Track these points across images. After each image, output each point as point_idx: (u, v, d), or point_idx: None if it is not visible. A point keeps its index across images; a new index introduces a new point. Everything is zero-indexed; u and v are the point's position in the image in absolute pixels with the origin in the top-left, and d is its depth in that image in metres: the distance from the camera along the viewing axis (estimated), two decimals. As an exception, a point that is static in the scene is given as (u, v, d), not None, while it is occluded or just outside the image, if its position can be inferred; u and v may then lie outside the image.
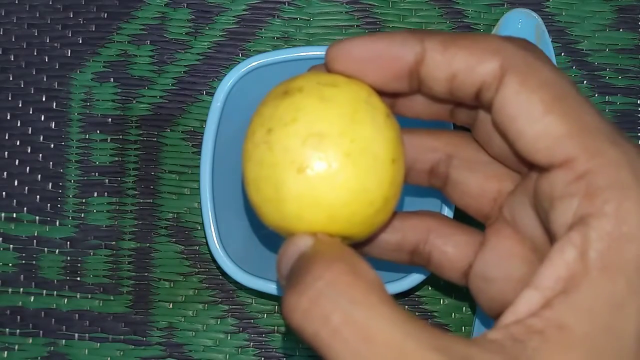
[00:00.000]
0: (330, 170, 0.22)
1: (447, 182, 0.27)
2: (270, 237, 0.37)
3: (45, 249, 0.39)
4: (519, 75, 0.21)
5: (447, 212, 0.34)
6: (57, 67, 0.39)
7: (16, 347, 0.38)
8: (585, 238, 0.19)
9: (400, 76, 0.23)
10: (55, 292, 0.39)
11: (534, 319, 0.19)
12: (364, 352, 0.18)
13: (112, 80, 0.39)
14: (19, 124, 0.39)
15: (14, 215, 0.39)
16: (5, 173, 0.39)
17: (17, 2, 0.40)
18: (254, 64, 0.34)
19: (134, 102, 0.39)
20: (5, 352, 0.38)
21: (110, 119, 0.39)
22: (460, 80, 0.22)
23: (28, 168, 0.39)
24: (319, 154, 0.22)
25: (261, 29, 0.40)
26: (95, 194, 0.39)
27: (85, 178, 0.39)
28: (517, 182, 0.25)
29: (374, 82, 0.23)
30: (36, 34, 0.40)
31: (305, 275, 0.20)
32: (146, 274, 0.39)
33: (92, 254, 0.39)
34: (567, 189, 0.20)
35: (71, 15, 0.40)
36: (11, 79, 0.39)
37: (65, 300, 0.38)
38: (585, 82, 0.39)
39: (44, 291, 0.39)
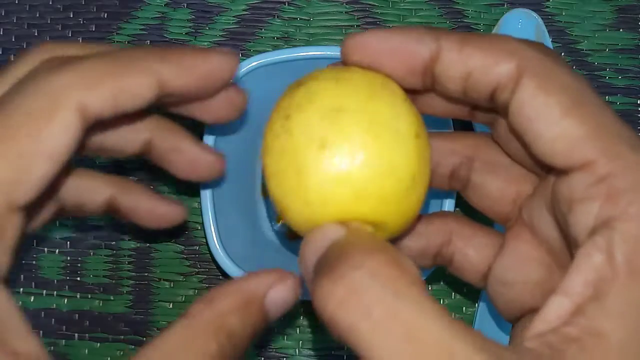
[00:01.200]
0: (352, 143, 0.21)
1: (467, 185, 0.26)
2: (271, 237, 0.37)
3: (45, 249, 0.39)
4: (536, 77, 0.21)
5: (448, 205, 0.33)
6: (57, 67, 0.39)
7: (16, 347, 0.38)
8: (611, 241, 0.19)
9: (414, 71, 0.23)
10: (55, 292, 0.38)
11: (568, 327, 0.19)
12: (408, 351, 0.17)
13: (112, 80, 0.39)
14: (19, 124, 0.39)
15: (14, 215, 0.39)
16: (5, 173, 0.39)
17: (17, 2, 0.40)
18: (254, 64, 0.34)
19: (134, 102, 0.39)
20: (5, 352, 0.38)
21: (110, 119, 0.39)
22: (475, 80, 0.22)
23: (28, 168, 0.39)
24: (339, 126, 0.21)
25: (261, 29, 0.40)
26: (95, 194, 0.39)
27: (85, 178, 0.39)
28: (536, 185, 0.25)
29: (389, 75, 0.23)
30: (36, 34, 0.40)
31: (341, 264, 0.19)
32: (146, 274, 0.39)
33: (92, 254, 0.39)
34: (587, 191, 0.20)
35: (71, 15, 0.40)
36: (11, 79, 0.39)
37: (65, 300, 0.38)
38: (585, 82, 0.39)
39: (44, 291, 0.39)
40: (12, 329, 0.21)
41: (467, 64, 0.22)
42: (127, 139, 0.28)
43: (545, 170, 0.23)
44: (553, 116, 0.21)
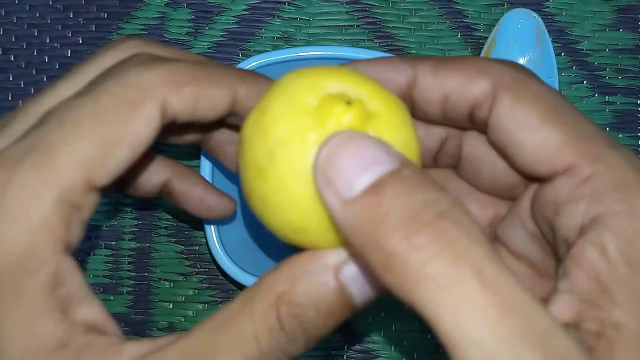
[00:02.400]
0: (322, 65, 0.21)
1: None
2: (270, 237, 0.37)
3: (45, 249, 0.39)
4: (511, 91, 0.22)
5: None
6: (57, 67, 0.39)
7: (16, 347, 0.38)
8: (602, 237, 0.19)
9: None
10: (55, 292, 0.39)
11: (587, 322, 0.19)
12: (513, 328, 0.16)
13: (112, 80, 0.39)
14: (19, 124, 0.39)
15: (14, 215, 0.39)
16: (5, 173, 0.39)
17: (17, 2, 0.40)
18: (254, 64, 0.34)
19: (134, 102, 0.39)
20: (6, 352, 0.38)
21: (110, 119, 0.39)
22: (452, 101, 0.23)
23: (28, 168, 0.39)
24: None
25: (261, 29, 0.40)
26: (95, 194, 0.39)
27: (85, 178, 0.39)
28: (509, 206, 0.25)
29: None
30: (36, 34, 0.40)
31: (440, 220, 0.17)
32: (146, 274, 0.39)
33: (92, 254, 0.39)
34: (572, 193, 0.20)
35: (71, 15, 0.40)
36: (11, 79, 0.39)
37: (65, 300, 0.38)
38: (585, 82, 0.39)
39: (44, 291, 0.39)
40: (79, 298, 0.21)
41: (443, 86, 0.22)
42: (148, 174, 0.29)
43: (528, 179, 0.24)
44: (532, 125, 0.21)
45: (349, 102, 0.20)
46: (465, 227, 0.17)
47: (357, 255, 0.19)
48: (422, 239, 0.17)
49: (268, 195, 0.20)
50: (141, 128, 0.22)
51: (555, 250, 0.22)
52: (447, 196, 0.18)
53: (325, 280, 0.20)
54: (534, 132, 0.21)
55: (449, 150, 0.25)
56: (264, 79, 0.25)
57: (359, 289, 0.20)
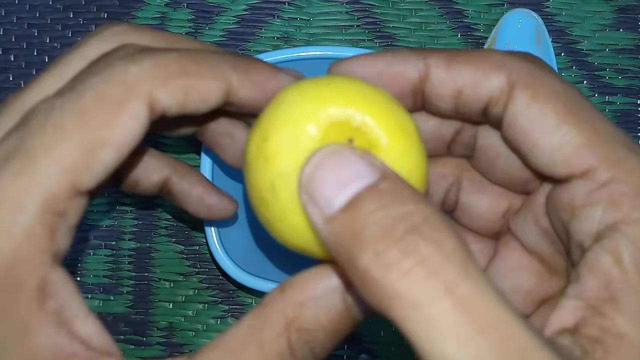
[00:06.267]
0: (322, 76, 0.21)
1: (456, 207, 0.26)
2: (271, 238, 0.37)
3: (45, 249, 0.39)
4: (527, 88, 0.21)
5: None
6: (57, 67, 0.39)
7: (16, 347, 0.38)
8: (618, 244, 0.19)
9: (403, 93, 0.22)
10: (55, 292, 0.38)
11: (588, 328, 0.19)
12: (480, 343, 0.16)
13: (112, 80, 0.39)
14: (19, 124, 0.39)
15: (14, 215, 0.39)
16: (5, 173, 0.39)
17: (17, 2, 0.40)
18: (254, 64, 0.34)
19: (134, 102, 0.39)
20: (5, 352, 0.38)
21: (110, 119, 0.39)
22: (466, 97, 0.22)
23: (28, 168, 0.39)
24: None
25: (261, 29, 0.40)
26: (95, 194, 0.39)
27: (85, 178, 0.39)
28: (523, 199, 0.25)
29: None
30: (36, 34, 0.40)
31: (412, 235, 0.17)
32: (146, 274, 0.39)
33: (92, 254, 0.39)
34: (589, 197, 0.20)
35: (71, 15, 0.40)
36: (11, 79, 0.39)
37: (65, 300, 0.38)
38: (585, 82, 0.39)
39: (44, 291, 0.39)
40: (72, 310, 0.20)
41: (456, 81, 0.22)
42: (148, 172, 0.28)
43: (541, 179, 0.23)
44: (550, 125, 0.20)
45: (351, 140, 0.20)
46: (437, 242, 0.17)
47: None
48: (393, 255, 0.17)
49: (271, 221, 0.21)
50: (127, 127, 0.21)
51: (569, 251, 0.21)
52: (423, 208, 0.18)
53: (333, 303, 0.20)
54: (550, 132, 0.20)
55: (463, 140, 0.24)
56: (259, 65, 0.24)
57: (364, 306, 0.20)
